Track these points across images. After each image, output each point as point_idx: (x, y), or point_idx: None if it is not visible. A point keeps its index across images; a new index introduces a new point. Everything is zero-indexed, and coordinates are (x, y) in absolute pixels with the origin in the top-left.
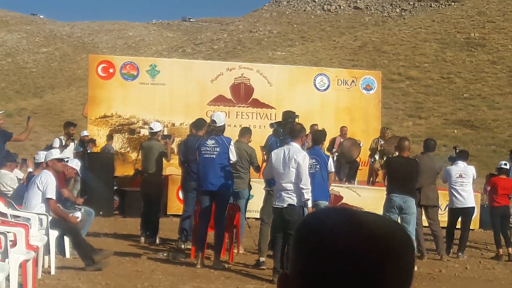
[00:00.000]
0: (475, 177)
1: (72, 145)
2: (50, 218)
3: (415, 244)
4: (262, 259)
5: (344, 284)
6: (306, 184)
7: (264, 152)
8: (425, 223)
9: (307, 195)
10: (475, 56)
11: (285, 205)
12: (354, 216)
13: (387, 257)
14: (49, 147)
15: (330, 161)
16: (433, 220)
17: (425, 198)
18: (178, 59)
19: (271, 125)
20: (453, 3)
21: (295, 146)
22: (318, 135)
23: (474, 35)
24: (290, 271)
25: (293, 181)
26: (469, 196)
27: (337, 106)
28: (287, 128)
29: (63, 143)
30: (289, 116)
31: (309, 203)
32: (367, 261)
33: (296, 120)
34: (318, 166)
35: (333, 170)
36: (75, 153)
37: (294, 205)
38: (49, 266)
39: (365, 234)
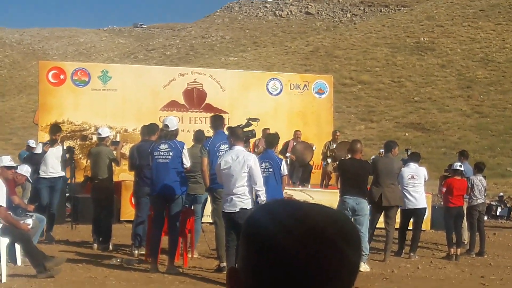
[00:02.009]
0: (426, 178)
1: (58, 150)
2: (0, 225)
3: (362, 238)
4: (223, 264)
5: (290, 278)
6: (261, 186)
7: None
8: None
9: (263, 196)
10: (425, 60)
11: (237, 210)
12: (299, 208)
13: (331, 249)
14: (29, 152)
15: (283, 164)
16: (390, 220)
17: (385, 199)
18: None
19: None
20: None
21: (241, 149)
22: (271, 139)
23: (424, 39)
24: (239, 266)
25: (245, 184)
26: (420, 197)
27: (290, 110)
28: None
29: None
30: (248, 120)
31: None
32: (312, 255)
33: (255, 124)
34: (271, 170)
35: (286, 173)
36: (24, 159)
37: (247, 208)
38: (0, 274)
39: (310, 227)
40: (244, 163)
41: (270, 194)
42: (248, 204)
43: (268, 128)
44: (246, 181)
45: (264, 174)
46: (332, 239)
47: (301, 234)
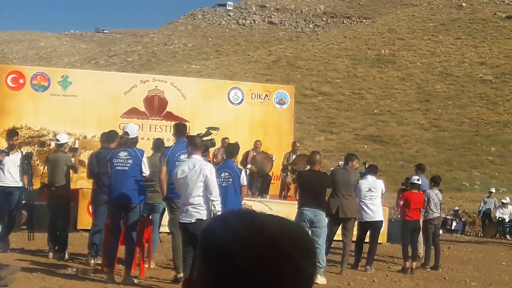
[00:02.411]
0: (383, 191)
1: (16, 158)
2: None
3: (319, 250)
4: (180, 275)
5: None
6: (217, 196)
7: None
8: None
9: (218, 206)
10: (385, 73)
11: (193, 220)
12: (256, 220)
13: (286, 261)
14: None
15: (243, 174)
16: (347, 232)
17: (342, 211)
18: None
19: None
20: (364, 20)
21: (198, 158)
22: (231, 149)
23: (385, 51)
24: (195, 277)
25: (201, 194)
26: (378, 210)
27: (251, 120)
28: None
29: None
30: (208, 129)
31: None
32: (268, 266)
33: (215, 133)
34: (230, 180)
35: (245, 183)
36: None
37: (203, 219)
38: None
39: (267, 239)
40: (200, 173)
41: (229, 205)
42: (204, 214)
43: (227, 138)
44: (202, 191)
45: (223, 184)
46: (288, 251)
47: (257, 246)
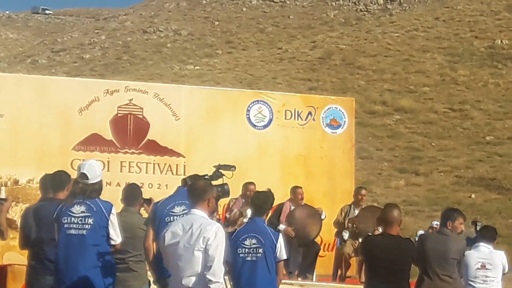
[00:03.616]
0: (506, 269)
1: None
2: None
3: None
4: None
5: None
6: (217, 274)
7: None
8: None
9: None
10: (503, 76)
11: None
12: None
13: None
14: None
15: (281, 241)
16: None
17: None
18: (26, 74)
19: (185, 181)
20: None
21: (199, 215)
22: (262, 200)
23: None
24: None
25: (199, 272)
26: None
27: (284, 153)
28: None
29: None
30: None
31: None
32: None
33: (228, 175)
34: (261, 250)
35: (285, 257)
36: None
37: None
38: None
39: None
40: (199, 236)
41: None
42: None
43: (252, 183)
44: (202, 266)
45: (248, 258)
46: None
47: None
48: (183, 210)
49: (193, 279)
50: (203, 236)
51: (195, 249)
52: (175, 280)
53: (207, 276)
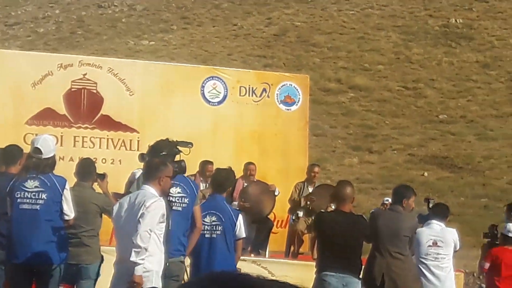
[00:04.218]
0: (457, 246)
1: None
2: None
3: None
4: None
5: None
6: (140, 240)
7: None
8: None
9: (136, 256)
10: (457, 55)
11: None
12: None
13: None
14: None
15: (241, 220)
16: None
17: (389, 278)
18: None
19: (142, 157)
20: None
21: (148, 191)
22: (223, 178)
23: (456, 21)
24: None
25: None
26: (447, 276)
27: (239, 130)
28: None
29: None
30: (172, 145)
31: (138, 270)
32: None
33: (186, 152)
34: (220, 228)
35: (244, 235)
36: None
37: None
38: None
39: None
40: (138, 208)
41: (217, 267)
42: (151, 282)
43: (210, 162)
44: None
45: (207, 235)
46: None
47: None
48: (213, 221)
49: (129, 245)
50: (142, 206)
51: (134, 220)
52: (120, 252)
53: (132, 238)
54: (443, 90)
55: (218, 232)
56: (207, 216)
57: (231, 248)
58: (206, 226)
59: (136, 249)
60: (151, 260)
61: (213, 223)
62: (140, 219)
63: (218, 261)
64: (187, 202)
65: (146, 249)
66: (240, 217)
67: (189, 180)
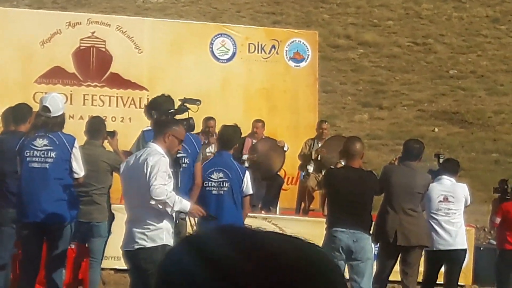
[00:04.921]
0: (468, 201)
1: None
2: None
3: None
4: None
5: None
6: (158, 195)
7: None
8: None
9: (169, 208)
10: (466, 10)
11: (136, 247)
12: (249, 240)
13: None
14: None
15: (247, 176)
16: (409, 268)
17: (401, 234)
18: None
19: (149, 112)
20: None
21: (153, 148)
22: (229, 134)
23: None
24: None
25: (144, 205)
26: (458, 232)
27: (248, 87)
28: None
29: None
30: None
31: (185, 207)
32: None
33: (194, 109)
34: (227, 184)
35: (251, 191)
36: None
37: (145, 247)
38: None
39: (265, 271)
40: (142, 164)
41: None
42: (149, 238)
43: (212, 118)
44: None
45: (214, 192)
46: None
47: (249, 281)
48: (220, 177)
49: (138, 211)
50: (145, 163)
51: (138, 175)
52: (127, 211)
53: (153, 196)
54: (453, 45)
55: (225, 188)
56: (214, 173)
57: (239, 205)
58: (213, 183)
59: (163, 206)
60: (161, 218)
61: (220, 179)
62: (149, 179)
63: (226, 218)
64: (187, 161)
65: (168, 197)
66: (247, 173)
67: (191, 138)
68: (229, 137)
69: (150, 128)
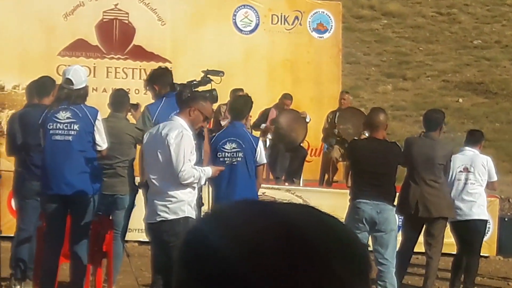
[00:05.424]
0: (492, 175)
1: None
2: None
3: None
4: None
5: None
6: (188, 177)
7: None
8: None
9: (201, 178)
10: None
11: (158, 219)
12: (272, 214)
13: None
14: None
15: (261, 146)
16: (433, 239)
17: (423, 206)
18: None
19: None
20: None
21: (176, 121)
22: (241, 105)
23: None
24: None
25: (165, 177)
26: (478, 203)
27: (270, 59)
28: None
29: None
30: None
31: (207, 173)
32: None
33: (217, 80)
34: (241, 154)
35: (265, 161)
36: None
37: (167, 219)
38: None
39: (291, 244)
40: (163, 137)
41: (239, 194)
42: (171, 211)
43: (241, 89)
44: (168, 171)
45: (227, 162)
46: (327, 263)
47: (275, 256)
48: (234, 148)
49: (159, 183)
50: (167, 139)
51: (159, 153)
52: (149, 183)
53: (180, 173)
54: (477, 15)
55: (238, 158)
56: (227, 143)
57: (252, 174)
58: (226, 153)
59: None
60: (184, 191)
61: (233, 149)
62: (176, 162)
63: (240, 187)
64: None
65: (196, 177)
66: (260, 143)
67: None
68: (241, 107)
69: (153, 102)
